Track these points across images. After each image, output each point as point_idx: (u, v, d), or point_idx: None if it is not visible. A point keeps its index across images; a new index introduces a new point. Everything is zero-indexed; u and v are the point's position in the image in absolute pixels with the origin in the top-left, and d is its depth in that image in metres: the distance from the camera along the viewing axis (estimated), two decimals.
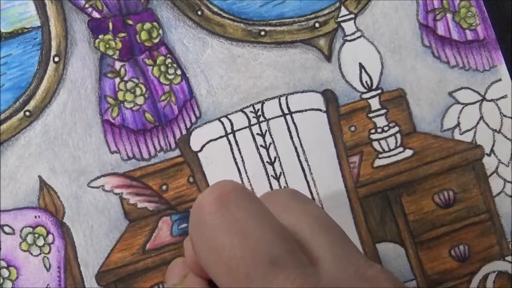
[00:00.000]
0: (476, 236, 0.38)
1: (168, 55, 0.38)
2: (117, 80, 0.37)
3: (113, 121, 0.37)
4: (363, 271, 0.27)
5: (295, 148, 0.38)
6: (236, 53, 0.38)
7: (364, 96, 0.38)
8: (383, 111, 0.38)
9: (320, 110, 0.38)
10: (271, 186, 0.38)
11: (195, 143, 0.37)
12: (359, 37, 0.39)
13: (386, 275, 0.27)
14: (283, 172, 0.38)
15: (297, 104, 0.38)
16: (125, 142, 0.37)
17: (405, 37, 0.39)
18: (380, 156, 0.38)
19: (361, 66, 0.38)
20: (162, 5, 0.38)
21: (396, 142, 0.38)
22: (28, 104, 0.37)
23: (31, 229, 0.36)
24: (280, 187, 0.37)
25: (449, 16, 0.39)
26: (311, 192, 0.38)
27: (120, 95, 0.37)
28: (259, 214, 0.28)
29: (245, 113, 0.38)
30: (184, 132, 0.37)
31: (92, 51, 0.37)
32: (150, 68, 0.38)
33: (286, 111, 0.38)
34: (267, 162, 0.38)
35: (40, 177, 0.36)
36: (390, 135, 0.38)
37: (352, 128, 0.38)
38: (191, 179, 0.37)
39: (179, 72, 0.38)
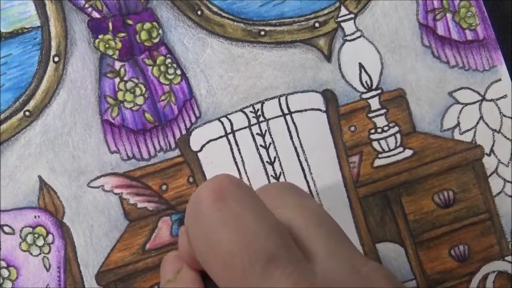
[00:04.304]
0: (476, 236, 0.38)
1: (168, 55, 0.38)
2: (117, 80, 0.37)
3: (113, 121, 0.37)
4: (359, 267, 0.27)
5: (295, 148, 0.38)
6: (236, 53, 0.38)
7: (364, 96, 0.38)
8: (383, 111, 0.38)
9: (320, 110, 0.38)
10: None
11: (195, 143, 0.37)
12: (359, 37, 0.39)
13: (383, 272, 0.27)
14: (283, 172, 0.38)
15: (297, 104, 0.38)
16: (125, 142, 0.37)
17: (405, 37, 0.39)
18: (380, 156, 0.38)
19: (361, 66, 0.38)
20: (162, 5, 0.38)
21: (396, 142, 0.38)
22: (28, 104, 0.37)
23: (31, 229, 0.36)
24: None
25: (449, 16, 0.39)
26: (310, 192, 0.37)
27: (120, 95, 0.37)
28: (255, 208, 0.28)
29: (245, 113, 0.38)
30: (184, 132, 0.37)
31: (92, 51, 0.37)
32: (150, 68, 0.38)
33: (286, 111, 0.38)
34: (267, 162, 0.38)
35: (40, 177, 0.36)
36: (390, 135, 0.38)
37: (352, 128, 0.38)
38: (191, 179, 0.37)
39: (179, 72, 0.38)
